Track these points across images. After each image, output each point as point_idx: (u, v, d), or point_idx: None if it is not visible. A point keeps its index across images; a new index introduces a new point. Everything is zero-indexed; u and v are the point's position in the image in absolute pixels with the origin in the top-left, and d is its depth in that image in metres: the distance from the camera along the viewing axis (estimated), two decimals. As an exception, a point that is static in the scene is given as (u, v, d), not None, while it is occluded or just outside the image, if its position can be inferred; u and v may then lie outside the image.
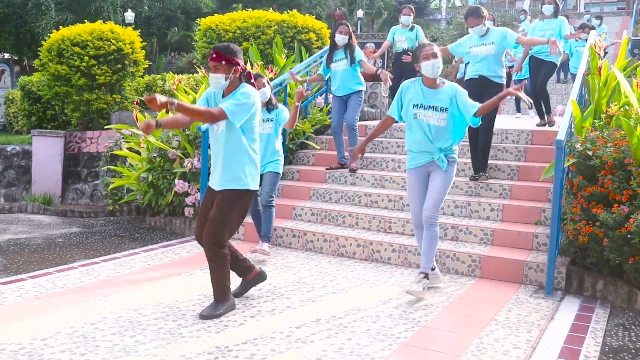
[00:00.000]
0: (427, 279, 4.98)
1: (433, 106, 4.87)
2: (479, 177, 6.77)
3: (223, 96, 4.43)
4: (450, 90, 4.91)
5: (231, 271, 4.63)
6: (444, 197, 4.96)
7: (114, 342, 3.93)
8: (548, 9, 8.68)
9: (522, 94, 4.70)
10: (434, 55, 4.84)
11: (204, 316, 4.41)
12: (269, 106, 6.10)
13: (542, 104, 8.68)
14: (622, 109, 5.84)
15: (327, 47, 8.70)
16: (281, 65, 9.29)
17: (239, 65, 4.34)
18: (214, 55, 4.29)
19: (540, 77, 8.56)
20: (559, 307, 4.89)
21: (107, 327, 4.19)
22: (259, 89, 6.02)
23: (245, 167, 4.40)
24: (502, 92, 4.85)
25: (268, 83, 6.11)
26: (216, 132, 4.42)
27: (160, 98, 3.85)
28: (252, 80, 4.49)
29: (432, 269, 5.10)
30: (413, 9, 9.49)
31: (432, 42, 6.45)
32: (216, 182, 4.46)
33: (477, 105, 4.80)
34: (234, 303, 4.61)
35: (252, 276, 4.89)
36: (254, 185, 4.48)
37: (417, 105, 4.90)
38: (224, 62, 4.28)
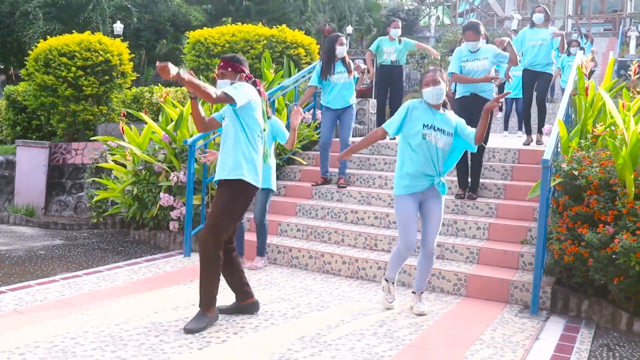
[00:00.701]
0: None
1: (442, 129, 4.78)
2: (464, 195, 6.77)
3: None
4: (453, 116, 4.91)
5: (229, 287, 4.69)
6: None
7: (95, 357, 3.86)
8: (539, 17, 8.52)
9: (497, 102, 4.78)
10: (435, 82, 4.76)
11: (188, 330, 4.37)
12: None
13: (530, 121, 8.70)
14: (608, 130, 5.88)
15: (315, 62, 8.71)
16: (270, 79, 9.29)
17: (245, 72, 4.61)
18: (222, 63, 4.62)
19: (539, 91, 8.47)
20: (544, 326, 4.88)
21: (87, 342, 4.12)
22: None
23: (242, 159, 4.45)
24: (483, 111, 4.78)
25: (262, 94, 6.10)
26: (223, 127, 4.58)
27: (172, 67, 3.92)
28: (258, 87, 4.64)
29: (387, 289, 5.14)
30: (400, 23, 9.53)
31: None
32: (218, 173, 4.55)
33: (473, 131, 4.80)
34: (217, 315, 4.58)
35: (246, 303, 4.85)
36: (251, 179, 4.48)
37: (428, 125, 4.75)
38: (230, 69, 4.58)
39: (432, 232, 4.87)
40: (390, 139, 7.84)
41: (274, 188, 6.27)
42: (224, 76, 4.60)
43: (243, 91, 4.38)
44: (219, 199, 4.46)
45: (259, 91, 4.62)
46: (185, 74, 3.99)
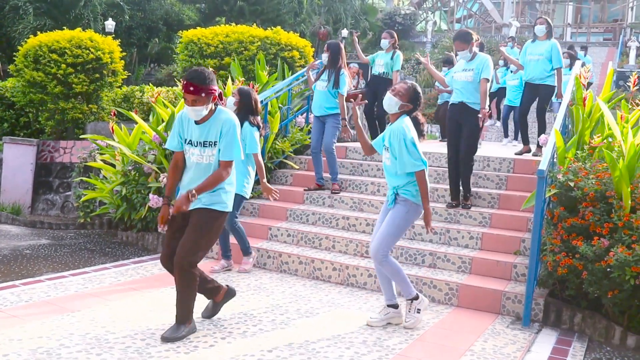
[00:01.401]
0: (395, 309, 4.91)
1: (384, 144, 4.85)
2: (456, 205, 6.72)
3: (201, 121, 4.28)
4: (392, 128, 4.78)
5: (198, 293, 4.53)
6: (390, 238, 4.72)
7: (79, 361, 3.78)
8: (540, 29, 8.34)
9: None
10: (394, 92, 4.75)
11: (165, 338, 4.27)
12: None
13: (527, 131, 8.66)
14: (605, 141, 5.86)
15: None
16: (263, 81, 9.21)
17: (216, 92, 4.20)
18: (192, 89, 4.08)
19: (539, 103, 8.36)
20: (535, 339, 4.84)
21: (73, 344, 4.06)
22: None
23: (226, 188, 4.35)
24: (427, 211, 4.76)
25: (245, 103, 6.02)
26: (200, 160, 4.29)
27: (185, 203, 4.08)
28: (222, 102, 4.44)
29: (396, 307, 4.94)
30: (394, 34, 9.41)
31: (418, 64, 6.46)
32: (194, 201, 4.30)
33: (419, 168, 4.67)
34: (195, 327, 4.47)
35: (221, 296, 4.76)
36: (231, 206, 4.43)
37: (386, 147, 4.84)
38: (203, 95, 4.12)
39: (375, 235, 4.81)
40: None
41: (247, 195, 6.11)
42: (196, 103, 4.12)
43: (236, 141, 4.24)
44: (199, 224, 4.24)
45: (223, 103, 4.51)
46: (194, 195, 4.11)
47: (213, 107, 4.28)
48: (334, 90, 7.45)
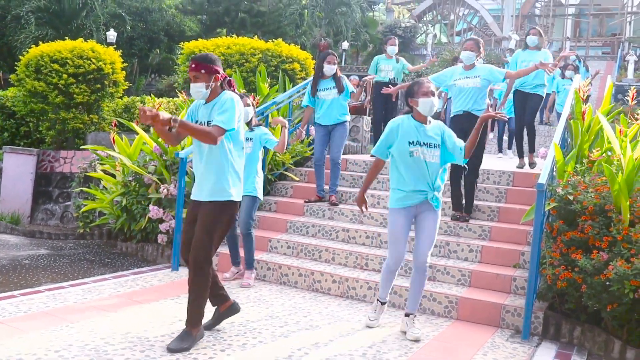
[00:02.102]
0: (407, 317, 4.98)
1: (428, 143, 4.74)
2: (460, 217, 6.72)
3: (207, 102, 4.39)
4: (439, 126, 4.86)
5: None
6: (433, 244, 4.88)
7: (78, 374, 3.78)
8: (532, 40, 8.41)
9: (493, 113, 4.79)
10: (434, 94, 4.76)
11: (172, 349, 4.27)
12: (249, 126, 6.08)
13: (522, 144, 8.67)
14: (604, 155, 5.87)
15: (310, 79, 8.67)
16: (264, 93, 9.25)
17: (219, 72, 4.35)
18: (193, 65, 4.32)
19: (527, 113, 8.35)
20: (535, 352, 4.83)
21: (71, 356, 4.05)
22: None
23: (229, 177, 4.35)
24: (477, 122, 4.80)
25: (253, 106, 6.11)
26: (201, 145, 4.37)
27: (164, 115, 3.90)
28: (233, 89, 4.49)
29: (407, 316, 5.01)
30: (397, 40, 9.53)
31: (418, 76, 6.47)
32: (200, 193, 4.41)
33: (463, 145, 4.77)
34: (203, 333, 4.51)
35: (225, 308, 4.78)
36: (237, 196, 4.42)
37: (413, 142, 4.72)
38: (203, 71, 4.29)
39: (424, 245, 4.79)
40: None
41: (260, 196, 6.17)
42: (197, 79, 4.32)
43: (235, 112, 4.26)
44: (207, 217, 4.33)
45: (235, 91, 4.50)
46: (177, 118, 3.99)
47: (219, 89, 4.38)
48: (342, 96, 7.52)
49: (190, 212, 4.49)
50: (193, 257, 4.31)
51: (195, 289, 4.35)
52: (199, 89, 4.32)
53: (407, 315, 4.99)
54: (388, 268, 4.94)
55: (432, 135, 4.77)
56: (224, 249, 6.60)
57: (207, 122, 4.34)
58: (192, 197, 4.50)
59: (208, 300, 4.62)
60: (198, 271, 4.31)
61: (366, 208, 5.02)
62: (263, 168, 7.28)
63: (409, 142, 4.72)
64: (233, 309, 4.82)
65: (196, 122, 4.43)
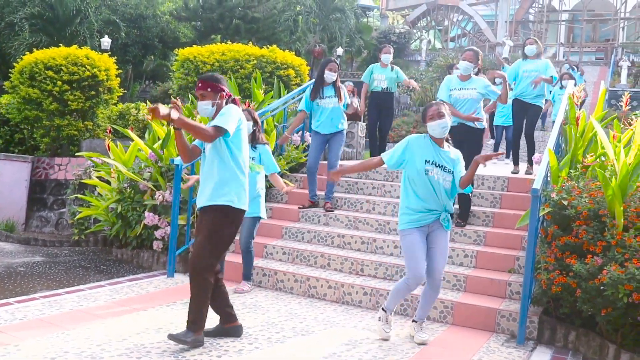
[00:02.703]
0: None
1: (442, 166, 4.74)
2: (456, 223, 6.72)
3: (211, 120, 4.48)
4: (456, 154, 4.86)
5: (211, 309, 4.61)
6: None
7: (74, 381, 3.77)
8: (530, 49, 8.37)
9: (491, 155, 4.73)
10: (440, 115, 4.73)
11: (172, 336, 4.36)
12: (253, 143, 5.98)
13: (518, 152, 8.69)
14: (598, 160, 5.90)
15: (305, 84, 8.68)
16: (259, 100, 9.26)
17: (224, 91, 4.48)
18: (200, 84, 4.46)
19: (528, 123, 8.31)
20: (530, 357, 4.85)
21: (67, 364, 4.03)
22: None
23: (230, 183, 4.38)
24: (473, 162, 4.70)
25: (256, 121, 6.05)
26: (206, 152, 4.48)
27: (163, 109, 3.95)
28: (238, 106, 4.55)
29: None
30: (392, 49, 9.54)
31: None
32: (201, 198, 4.46)
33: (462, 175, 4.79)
34: (202, 340, 4.50)
35: (230, 326, 4.78)
36: (240, 204, 4.43)
37: (430, 161, 4.71)
38: (209, 90, 4.43)
39: (440, 263, 4.80)
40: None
41: (264, 216, 6.20)
42: (204, 97, 4.46)
43: (231, 116, 4.34)
44: (207, 222, 4.37)
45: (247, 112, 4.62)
46: (176, 114, 4.01)
47: (223, 105, 4.48)
48: (342, 105, 7.52)
49: (198, 223, 4.55)
50: (191, 264, 4.34)
51: (193, 295, 4.37)
52: (205, 106, 4.46)
53: (414, 321, 5.04)
54: (407, 287, 4.83)
55: (447, 159, 4.78)
56: (230, 258, 6.61)
57: None
58: (197, 205, 4.56)
59: (217, 315, 4.70)
60: (195, 277, 4.33)
61: (336, 180, 5.14)
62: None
63: (426, 161, 4.71)
64: (237, 330, 4.81)
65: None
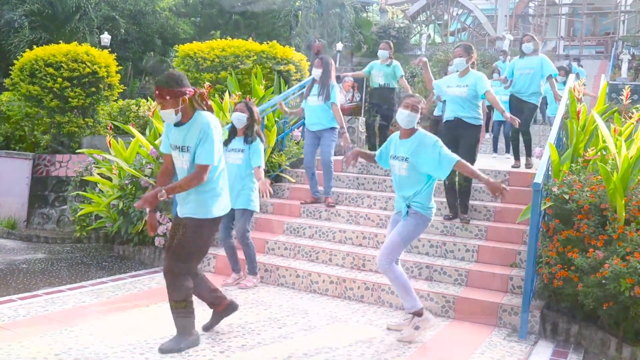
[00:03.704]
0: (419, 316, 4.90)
1: (397, 156, 4.89)
2: (461, 219, 6.72)
3: (179, 124, 4.24)
4: (415, 140, 4.85)
5: (201, 301, 4.59)
6: (396, 248, 4.81)
7: (78, 377, 3.79)
8: (528, 47, 8.43)
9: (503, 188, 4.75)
10: (409, 107, 4.82)
11: (163, 349, 4.27)
12: (246, 135, 5.99)
13: (518, 146, 8.68)
14: (599, 154, 5.90)
15: (305, 80, 8.65)
16: (260, 95, 9.25)
17: (185, 94, 4.12)
18: (157, 92, 4.12)
19: (522, 120, 8.36)
20: (532, 351, 4.85)
21: (71, 359, 4.06)
22: (235, 111, 5.98)
23: (209, 194, 4.29)
24: (484, 180, 4.82)
25: (252, 113, 6.01)
26: (181, 165, 4.31)
27: (152, 197, 4.04)
28: (207, 102, 4.28)
29: (420, 314, 4.92)
30: (391, 45, 9.48)
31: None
32: (181, 210, 4.38)
33: (456, 159, 4.77)
34: (197, 339, 4.46)
35: (223, 308, 4.78)
36: (218, 212, 4.35)
37: (392, 156, 4.97)
38: (168, 97, 4.09)
39: (384, 245, 4.86)
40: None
41: (255, 209, 6.14)
42: (164, 106, 4.11)
43: (213, 142, 4.15)
44: (184, 234, 4.27)
45: (209, 105, 4.32)
46: (164, 194, 4.03)
47: (191, 110, 4.22)
48: (328, 103, 7.41)
49: (174, 227, 4.43)
50: (168, 268, 4.25)
51: (172, 300, 4.31)
52: (168, 115, 4.16)
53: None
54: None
55: (404, 149, 4.86)
56: (221, 252, 6.61)
57: (182, 146, 4.22)
58: (175, 214, 4.48)
59: (206, 305, 4.66)
60: (170, 282, 4.25)
61: (353, 165, 5.18)
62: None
63: (391, 156, 5.00)
64: (231, 307, 4.81)
65: (170, 145, 4.34)
